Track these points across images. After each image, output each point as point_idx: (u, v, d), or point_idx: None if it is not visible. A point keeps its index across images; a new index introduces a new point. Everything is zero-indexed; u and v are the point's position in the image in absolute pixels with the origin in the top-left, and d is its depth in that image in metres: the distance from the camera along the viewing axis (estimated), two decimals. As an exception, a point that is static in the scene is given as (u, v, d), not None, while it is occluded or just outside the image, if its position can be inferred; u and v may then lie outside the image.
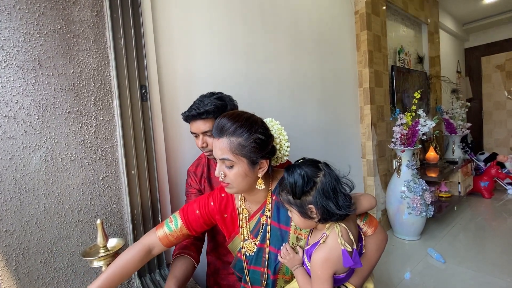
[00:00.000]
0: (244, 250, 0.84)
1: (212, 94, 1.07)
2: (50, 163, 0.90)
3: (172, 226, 0.85)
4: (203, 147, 1.05)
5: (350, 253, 0.65)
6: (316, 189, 0.67)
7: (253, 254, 0.82)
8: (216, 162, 1.14)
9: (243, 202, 0.86)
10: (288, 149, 0.82)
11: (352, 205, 0.68)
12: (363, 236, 0.77)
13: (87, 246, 0.93)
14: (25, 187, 0.86)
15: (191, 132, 1.07)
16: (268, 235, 0.80)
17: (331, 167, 0.71)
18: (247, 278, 0.83)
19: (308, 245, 0.74)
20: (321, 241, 0.68)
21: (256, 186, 0.78)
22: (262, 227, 0.82)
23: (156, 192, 1.11)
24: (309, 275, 0.72)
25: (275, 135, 0.80)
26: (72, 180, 0.94)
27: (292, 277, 0.79)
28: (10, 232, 0.84)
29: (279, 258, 0.77)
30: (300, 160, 0.74)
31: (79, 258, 0.95)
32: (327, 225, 0.69)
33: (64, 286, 0.93)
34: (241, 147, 0.72)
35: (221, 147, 0.73)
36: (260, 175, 0.77)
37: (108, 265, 0.83)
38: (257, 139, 0.73)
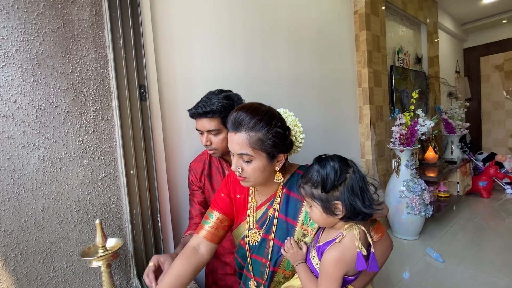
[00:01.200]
0: (248, 239, 0.83)
1: (220, 91, 1.06)
2: (48, 162, 0.89)
3: (209, 220, 0.85)
4: (207, 145, 1.05)
5: (365, 257, 0.64)
6: (345, 185, 0.65)
7: (256, 244, 0.82)
8: (218, 160, 1.15)
9: (254, 191, 0.86)
10: (303, 140, 0.81)
11: (379, 204, 0.67)
12: (371, 241, 0.77)
13: (86, 246, 0.93)
14: (23, 187, 0.85)
15: (196, 129, 1.06)
16: (274, 227, 0.79)
17: (358, 166, 0.70)
18: (250, 267, 0.83)
19: (319, 243, 0.72)
20: (337, 240, 0.66)
21: (275, 180, 0.78)
22: (269, 218, 0.81)
23: (155, 191, 1.11)
24: (312, 272, 0.71)
25: (290, 126, 0.78)
26: (70, 180, 0.94)
27: (292, 274, 0.78)
28: (9, 232, 0.83)
29: (282, 251, 0.76)
30: (323, 155, 0.72)
31: (77, 258, 0.95)
32: (346, 226, 0.67)
33: (62, 286, 0.93)
34: (260, 142, 0.70)
35: (240, 142, 0.71)
36: (277, 168, 0.77)
37: (107, 265, 0.83)
38: (276, 133, 0.71)
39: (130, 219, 1.04)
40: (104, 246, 0.83)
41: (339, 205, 0.65)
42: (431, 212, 2.42)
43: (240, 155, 0.72)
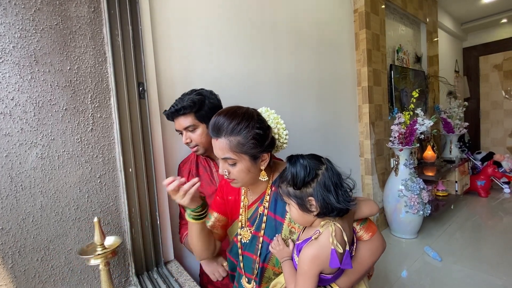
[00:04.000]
0: (240, 237, 0.86)
1: (193, 91, 1.11)
2: (46, 160, 0.89)
3: (209, 221, 0.93)
4: (187, 143, 1.08)
5: (340, 255, 0.64)
6: (317, 181, 0.67)
7: (247, 241, 0.84)
8: (205, 159, 1.16)
9: (246, 190, 0.89)
10: (287, 136, 0.82)
11: (352, 201, 0.68)
12: (355, 239, 0.76)
13: (84, 244, 0.93)
14: (21, 185, 0.85)
15: (176, 130, 1.10)
16: (263, 225, 0.82)
17: (334, 164, 0.71)
18: (241, 264, 0.86)
19: (299, 240, 0.74)
20: (313, 238, 0.68)
21: (260, 178, 0.80)
22: (259, 216, 0.84)
23: (153, 190, 1.11)
24: (296, 269, 0.71)
25: (272, 125, 0.79)
26: (69, 177, 0.93)
27: (282, 271, 0.79)
28: (6, 230, 0.83)
29: (269, 247, 0.78)
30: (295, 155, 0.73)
31: (76, 256, 0.95)
32: (322, 223, 0.68)
33: (61, 284, 0.92)
34: (240, 145, 0.72)
35: (221, 147, 0.73)
36: (262, 167, 0.79)
37: (105, 263, 0.83)
38: (255, 135, 0.73)
39: (128, 217, 1.04)
40: (102, 244, 0.82)
41: (312, 201, 0.67)
42: (429, 211, 2.43)
43: (224, 159, 0.75)
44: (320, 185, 0.66)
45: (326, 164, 0.69)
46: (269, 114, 0.81)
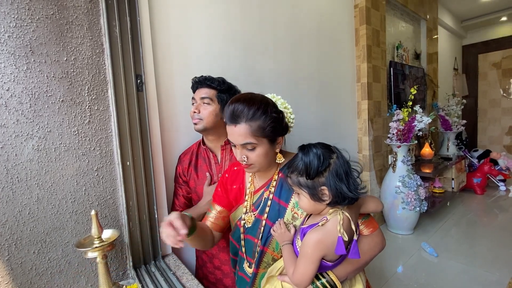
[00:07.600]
0: (244, 221, 0.88)
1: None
2: (43, 152, 0.88)
3: (211, 212, 0.95)
4: (194, 112, 1.09)
5: (346, 243, 0.65)
6: (330, 170, 0.66)
7: (250, 225, 0.86)
8: (205, 150, 1.18)
9: (253, 178, 0.91)
10: (294, 120, 0.86)
11: (363, 188, 0.68)
12: (358, 231, 0.77)
13: (82, 237, 0.92)
14: (17, 177, 0.84)
15: (192, 99, 1.13)
16: (267, 208, 0.83)
17: (342, 151, 0.71)
18: (243, 249, 0.87)
19: (304, 225, 0.74)
20: (319, 224, 0.68)
21: (277, 160, 0.84)
22: (264, 200, 0.86)
23: (151, 183, 1.10)
24: (296, 254, 0.72)
25: (281, 109, 0.83)
26: (65, 170, 0.92)
27: (281, 256, 0.79)
28: (2, 222, 0.82)
29: (271, 230, 0.79)
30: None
31: (73, 249, 0.94)
32: (331, 211, 0.69)
33: (58, 277, 0.92)
34: (261, 129, 0.75)
35: (241, 133, 0.75)
36: (277, 150, 0.83)
37: (102, 256, 0.82)
38: (274, 119, 0.76)
39: (126, 211, 1.03)
40: (100, 237, 0.82)
41: (325, 190, 0.67)
42: (425, 208, 2.45)
43: (244, 145, 0.76)
44: (332, 174, 0.66)
45: (337, 152, 0.69)
46: (276, 100, 0.84)
